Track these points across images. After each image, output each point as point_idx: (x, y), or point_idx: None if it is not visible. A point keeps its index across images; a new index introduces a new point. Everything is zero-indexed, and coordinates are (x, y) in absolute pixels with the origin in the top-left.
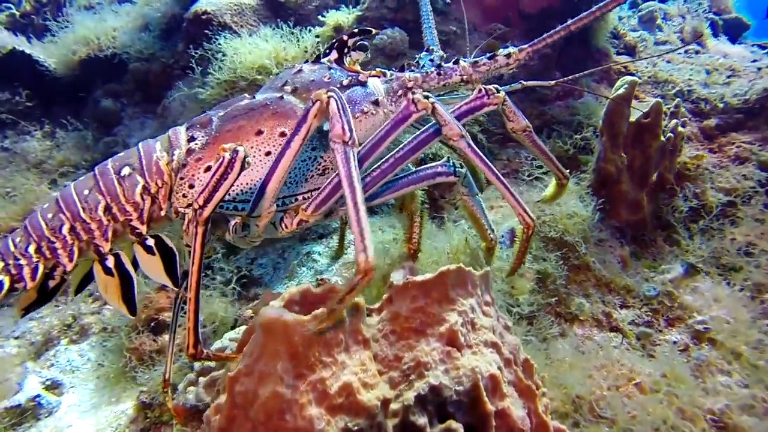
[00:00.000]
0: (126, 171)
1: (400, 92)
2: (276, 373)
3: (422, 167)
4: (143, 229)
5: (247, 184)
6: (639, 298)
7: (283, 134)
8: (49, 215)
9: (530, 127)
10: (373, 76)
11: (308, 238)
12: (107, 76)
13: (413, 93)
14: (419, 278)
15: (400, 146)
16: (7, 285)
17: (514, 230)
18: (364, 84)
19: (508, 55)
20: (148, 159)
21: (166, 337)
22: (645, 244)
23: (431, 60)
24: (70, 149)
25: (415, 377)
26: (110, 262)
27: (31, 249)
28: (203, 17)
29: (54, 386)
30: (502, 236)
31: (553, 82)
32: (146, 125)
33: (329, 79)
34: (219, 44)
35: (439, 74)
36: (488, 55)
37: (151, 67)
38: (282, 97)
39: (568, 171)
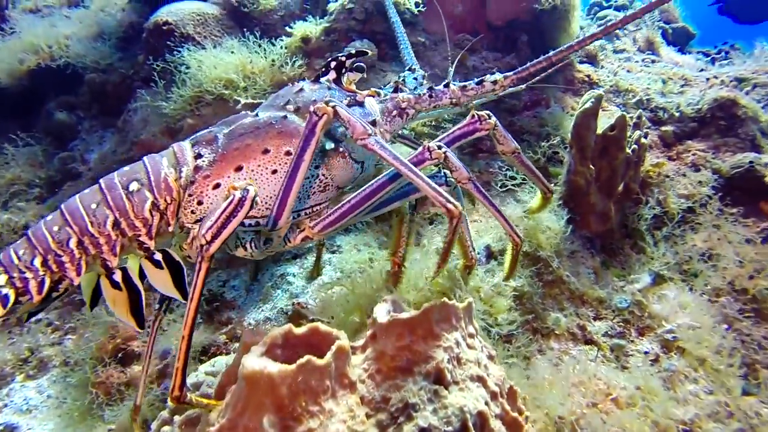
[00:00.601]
0: (134, 186)
1: (395, 112)
2: (261, 428)
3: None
4: (151, 244)
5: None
6: (611, 309)
7: (288, 153)
8: (55, 228)
9: (519, 149)
10: (369, 95)
11: (282, 258)
12: (60, 87)
13: (429, 142)
14: (404, 316)
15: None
16: (12, 298)
17: (489, 247)
18: (361, 104)
19: (495, 82)
20: (156, 175)
21: (136, 368)
22: (613, 253)
23: (415, 79)
24: (21, 166)
25: (404, 419)
26: (118, 276)
27: (37, 262)
28: (164, 27)
29: (9, 431)
30: (479, 253)
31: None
32: (106, 139)
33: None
34: (182, 56)
35: (430, 96)
36: (476, 80)
37: (109, 79)
38: (286, 117)
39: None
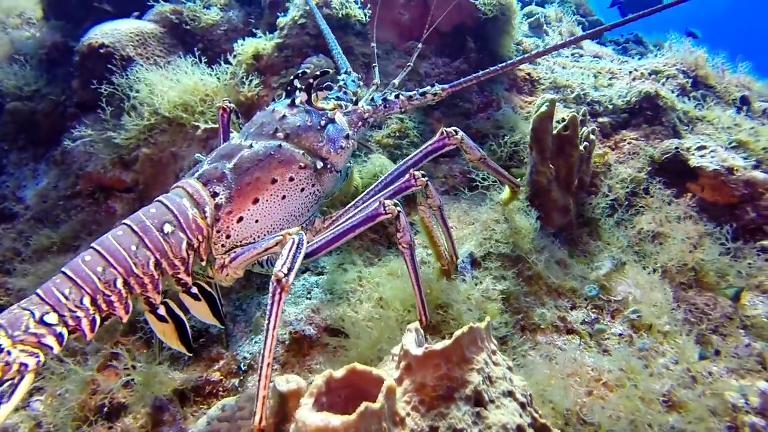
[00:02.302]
0: (168, 228)
1: (360, 123)
2: None
3: (391, 187)
4: (189, 280)
5: (272, 225)
6: (583, 297)
7: (291, 179)
8: (99, 269)
9: (485, 156)
10: (333, 109)
11: (267, 286)
12: None
13: (384, 198)
14: (439, 347)
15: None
16: (66, 337)
17: (473, 254)
18: (334, 121)
19: (435, 93)
20: (184, 216)
21: (127, 420)
22: (574, 243)
23: (353, 81)
24: None
25: None
26: (161, 310)
27: (87, 301)
28: (101, 51)
29: None
30: (462, 261)
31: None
32: (40, 173)
33: (311, 122)
34: (128, 80)
35: (385, 107)
36: (420, 91)
37: (38, 107)
38: (281, 146)
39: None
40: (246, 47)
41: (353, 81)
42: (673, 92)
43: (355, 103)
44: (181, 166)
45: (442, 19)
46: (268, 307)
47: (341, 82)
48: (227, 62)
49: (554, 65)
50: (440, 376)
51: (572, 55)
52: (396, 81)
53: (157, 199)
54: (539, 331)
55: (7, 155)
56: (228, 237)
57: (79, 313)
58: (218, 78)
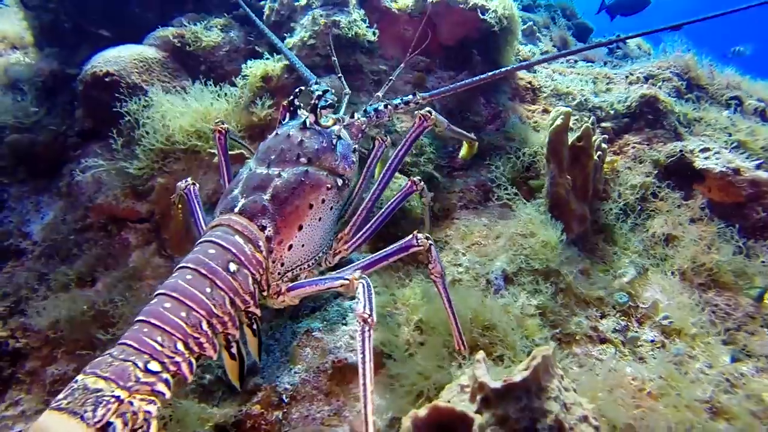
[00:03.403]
0: (234, 267)
1: (359, 135)
2: None
3: (395, 198)
4: (258, 312)
5: (315, 246)
6: (611, 305)
7: (323, 201)
8: (183, 314)
9: (449, 123)
10: (334, 124)
11: (300, 314)
12: None
13: (418, 237)
14: (518, 378)
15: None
16: (171, 382)
17: (505, 270)
18: (340, 137)
19: (417, 102)
20: (244, 254)
21: None
22: (592, 251)
23: (326, 91)
24: None
25: None
26: (234, 348)
27: (181, 346)
28: (107, 80)
29: None
30: (496, 278)
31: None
32: (44, 205)
33: (326, 143)
34: (139, 108)
35: (377, 117)
36: (404, 100)
37: (38, 138)
38: (307, 171)
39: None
40: (254, 69)
41: (323, 89)
42: (669, 95)
43: (351, 116)
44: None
45: (446, 33)
46: (360, 345)
47: (315, 92)
48: (233, 84)
49: (553, 73)
50: (521, 407)
51: (567, 61)
52: (380, 93)
53: (207, 240)
54: (575, 343)
55: (7, 189)
56: (282, 265)
57: (178, 358)
58: (228, 101)
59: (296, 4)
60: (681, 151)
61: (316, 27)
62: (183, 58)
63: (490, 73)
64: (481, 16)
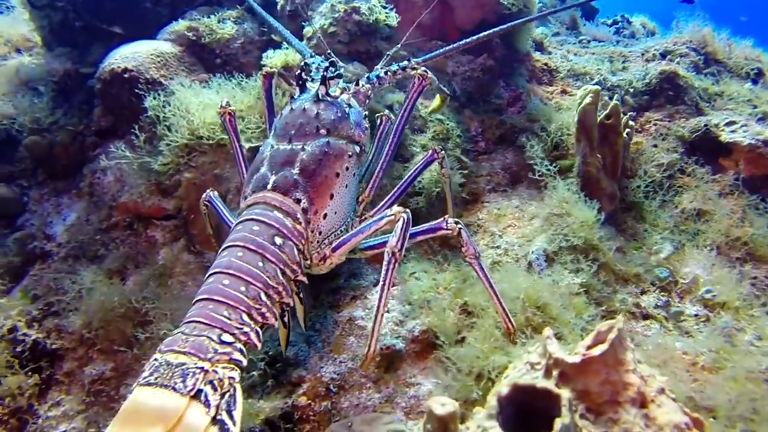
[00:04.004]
0: (279, 241)
1: (365, 101)
2: None
3: (417, 166)
4: (305, 279)
5: (345, 212)
6: (649, 282)
7: (347, 169)
8: (243, 288)
9: (434, 78)
10: (342, 93)
11: (341, 303)
12: None
13: (447, 221)
14: (597, 352)
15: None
16: (245, 350)
17: (546, 250)
18: (351, 106)
19: (413, 67)
20: (286, 227)
21: None
22: (622, 228)
23: (323, 61)
24: None
25: None
26: (286, 317)
27: (246, 318)
28: (125, 75)
29: None
30: (537, 257)
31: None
32: (64, 207)
33: (340, 113)
34: (161, 102)
35: (379, 83)
36: (401, 66)
37: (56, 139)
38: (329, 142)
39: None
40: (274, 59)
41: (322, 61)
42: (688, 71)
43: (357, 83)
44: (227, 188)
45: (463, 16)
46: (384, 274)
47: (314, 64)
48: (249, 76)
49: (568, 53)
50: (603, 381)
51: (579, 42)
52: (380, 65)
53: (248, 218)
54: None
55: (27, 192)
56: (320, 233)
57: (246, 329)
58: (250, 93)
59: None
60: (706, 125)
61: (336, 14)
62: (198, 51)
63: (474, 37)
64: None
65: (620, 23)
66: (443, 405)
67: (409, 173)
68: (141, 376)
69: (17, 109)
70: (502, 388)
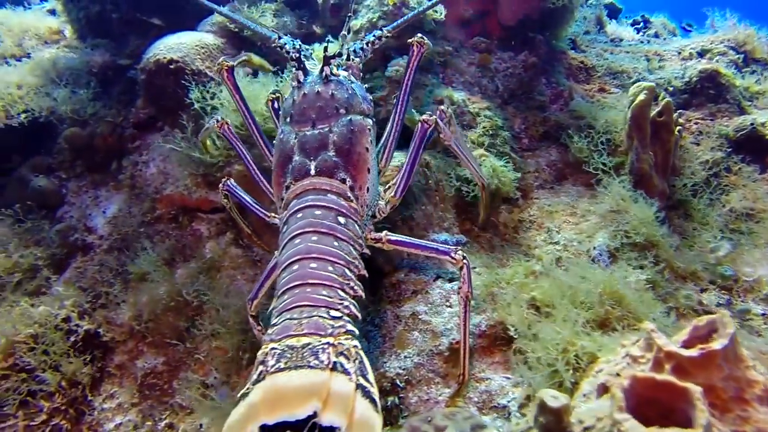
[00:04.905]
0: (342, 220)
1: (359, 74)
2: None
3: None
4: (368, 252)
5: (376, 182)
6: (707, 280)
7: (371, 141)
8: (330, 268)
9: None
10: (338, 69)
11: (402, 297)
12: (25, 147)
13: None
14: (718, 346)
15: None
16: (353, 322)
17: (608, 246)
18: (352, 81)
19: (386, 36)
20: (343, 207)
21: None
22: (670, 226)
23: (292, 40)
24: (16, 249)
25: None
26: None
27: (341, 293)
28: (171, 66)
29: None
30: (600, 253)
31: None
32: (102, 199)
33: (349, 90)
34: (212, 93)
35: (365, 56)
36: (377, 35)
37: (96, 130)
38: (351, 119)
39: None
40: (318, 53)
41: (292, 40)
42: (728, 69)
43: (348, 58)
44: None
45: (508, 12)
46: (462, 315)
47: (287, 45)
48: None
49: (603, 52)
50: (725, 377)
51: (611, 41)
52: (345, 32)
53: (305, 205)
54: (682, 318)
55: (66, 184)
56: (367, 206)
57: (346, 302)
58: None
59: None
60: (752, 124)
61: (385, 8)
62: (238, 43)
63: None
64: None
65: (640, 23)
66: (556, 398)
67: (410, 151)
68: (267, 366)
69: (56, 100)
70: (625, 381)
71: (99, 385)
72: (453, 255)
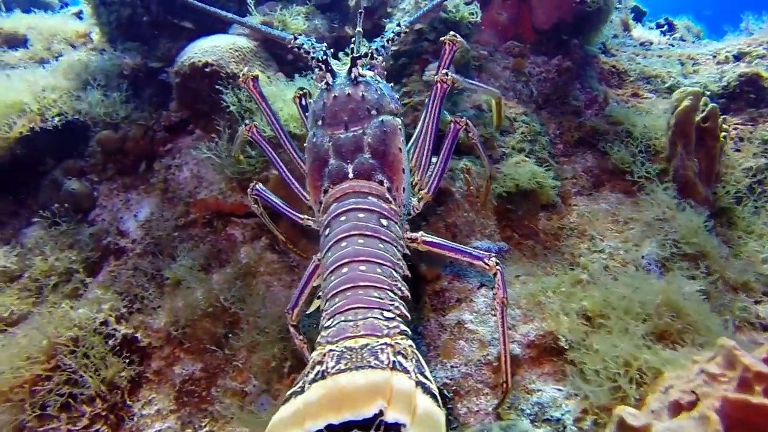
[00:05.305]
0: (384, 222)
1: (384, 72)
2: None
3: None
4: (408, 252)
5: (409, 182)
6: (760, 291)
7: (402, 140)
8: (378, 270)
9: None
10: (364, 69)
11: (446, 306)
12: (58, 150)
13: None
14: None
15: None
16: (403, 326)
17: (658, 255)
18: (378, 81)
19: (405, 32)
20: (384, 209)
21: None
22: (717, 236)
23: (309, 39)
24: (51, 252)
25: None
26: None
27: (391, 294)
28: (206, 70)
29: None
30: (649, 263)
31: None
32: (134, 202)
33: (378, 90)
34: (248, 97)
35: (386, 53)
36: (395, 32)
37: (129, 133)
38: (383, 120)
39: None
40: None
41: (309, 39)
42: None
43: (371, 57)
44: None
45: (542, 16)
46: (500, 320)
47: (305, 46)
48: None
49: (635, 56)
50: None
51: (641, 44)
52: (359, 28)
53: (348, 209)
54: (738, 332)
55: (97, 187)
56: (403, 205)
57: (396, 303)
58: None
59: None
60: None
61: (422, 11)
62: (271, 46)
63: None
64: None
65: (664, 26)
66: (635, 416)
67: (443, 149)
68: (326, 367)
69: (89, 104)
70: (711, 401)
71: (137, 390)
72: (486, 261)
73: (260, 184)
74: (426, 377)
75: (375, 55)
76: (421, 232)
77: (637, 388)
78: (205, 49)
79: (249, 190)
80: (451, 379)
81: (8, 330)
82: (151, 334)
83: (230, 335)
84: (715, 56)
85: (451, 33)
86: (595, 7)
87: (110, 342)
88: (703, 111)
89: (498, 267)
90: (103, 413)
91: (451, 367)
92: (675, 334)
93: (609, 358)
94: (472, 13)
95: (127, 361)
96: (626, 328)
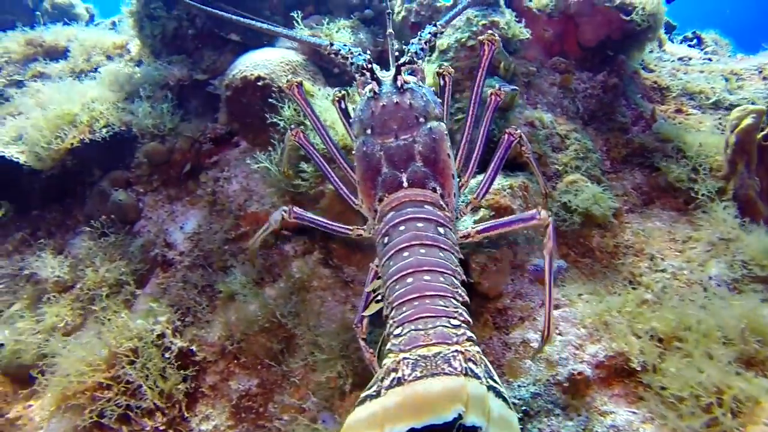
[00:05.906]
0: (442, 230)
1: (423, 76)
2: None
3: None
4: (462, 256)
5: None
6: None
7: (449, 146)
8: (441, 279)
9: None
10: (411, 76)
11: (509, 325)
12: (105, 161)
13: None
14: None
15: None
16: (470, 333)
17: (726, 276)
18: (421, 86)
19: (440, 32)
20: (439, 216)
21: None
22: None
23: (345, 45)
24: (101, 264)
25: None
26: None
27: (454, 302)
28: (258, 83)
29: None
30: (718, 284)
31: None
32: (179, 214)
33: (423, 97)
34: (297, 111)
35: (424, 55)
36: (431, 32)
37: (176, 145)
38: (431, 127)
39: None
40: None
41: (345, 45)
42: None
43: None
44: None
45: (588, 33)
46: (547, 268)
47: (342, 51)
48: None
49: (676, 72)
50: None
51: (680, 59)
52: (390, 30)
53: (406, 218)
54: None
55: (143, 198)
56: (456, 210)
57: (461, 310)
58: None
59: (438, 4)
60: None
61: (474, 28)
62: (319, 60)
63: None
64: (625, 17)
65: (693, 39)
66: None
67: (494, 158)
68: (402, 374)
69: (136, 115)
70: None
71: (193, 405)
72: (538, 216)
73: (296, 207)
74: (496, 381)
75: (415, 59)
76: (470, 225)
77: (733, 418)
78: (257, 63)
79: (285, 215)
80: (519, 399)
81: (66, 339)
82: (205, 347)
83: (286, 350)
84: (760, 71)
85: (489, 32)
86: (645, 25)
87: (167, 354)
88: (763, 129)
89: (550, 218)
90: (162, 427)
91: (519, 386)
92: (766, 361)
93: (694, 383)
94: (523, 31)
95: (184, 374)
96: (709, 353)
